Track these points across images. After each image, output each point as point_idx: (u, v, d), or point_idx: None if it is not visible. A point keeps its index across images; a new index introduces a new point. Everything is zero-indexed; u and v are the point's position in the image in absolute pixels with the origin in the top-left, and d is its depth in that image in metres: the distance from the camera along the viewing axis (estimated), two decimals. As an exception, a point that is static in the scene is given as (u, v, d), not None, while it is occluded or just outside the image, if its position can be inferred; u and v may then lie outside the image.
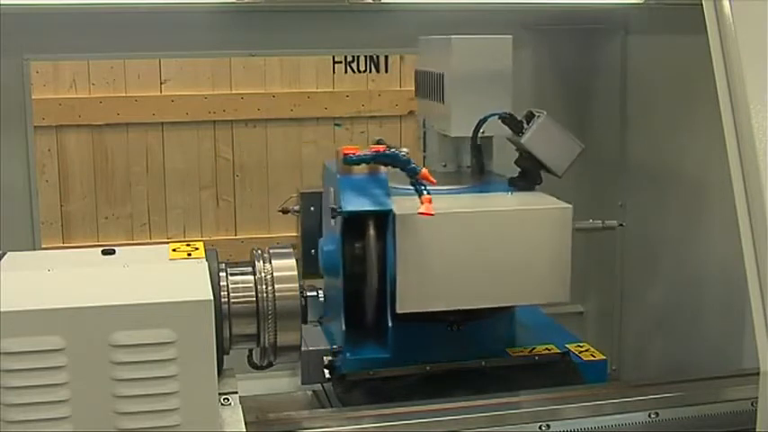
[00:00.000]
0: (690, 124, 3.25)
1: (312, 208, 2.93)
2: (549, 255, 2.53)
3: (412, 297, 2.45)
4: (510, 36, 2.82)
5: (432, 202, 2.35)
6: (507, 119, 2.73)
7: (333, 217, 2.41)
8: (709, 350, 3.20)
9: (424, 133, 3.05)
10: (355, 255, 2.45)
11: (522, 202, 2.64)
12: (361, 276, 2.45)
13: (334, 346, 2.57)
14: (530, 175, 2.75)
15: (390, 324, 2.45)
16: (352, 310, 2.47)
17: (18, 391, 1.71)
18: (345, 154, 2.45)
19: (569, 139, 2.73)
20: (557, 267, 2.54)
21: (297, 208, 3.00)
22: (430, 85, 2.93)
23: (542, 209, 2.57)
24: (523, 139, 2.70)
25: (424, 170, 2.44)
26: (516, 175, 2.82)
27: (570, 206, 2.54)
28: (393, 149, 2.46)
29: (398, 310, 2.45)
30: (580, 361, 2.78)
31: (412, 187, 2.45)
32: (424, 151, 3.08)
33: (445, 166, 2.99)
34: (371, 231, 2.41)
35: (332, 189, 2.53)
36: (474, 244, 2.49)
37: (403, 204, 2.44)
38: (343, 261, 2.46)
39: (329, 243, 2.53)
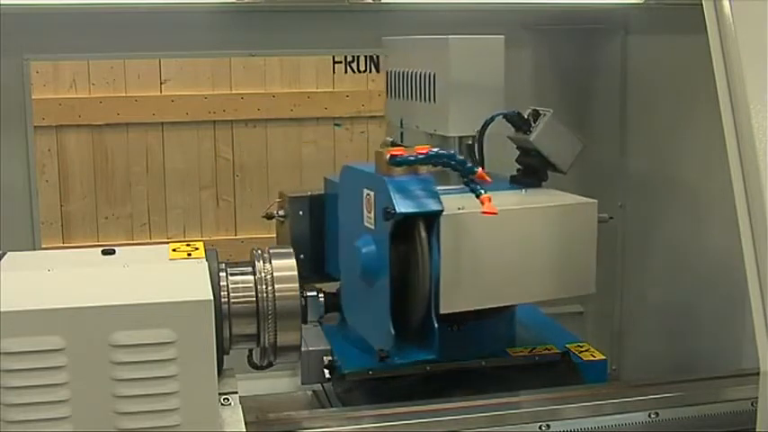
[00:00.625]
0: (690, 124, 3.25)
1: (301, 212, 2.90)
2: (579, 248, 2.60)
3: (455, 297, 2.43)
4: (503, 36, 2.82)
5: (491, 201, 2.35)
6: (515, 117, 2.73)
7: (386, 219, 2.34)
8: (709, 350, 3.20)
9: (402, 134, 3.03)
10: (404, 256, 2.42)
11: (547, 198, 2.65)
12: (411, 278, 2.42)
13: (381, 349, 2.47)
14: (536, 172, 2.76)
15: (436, 325, 2.42)
16: (397, 312, 2.44)
17: (18, 391, 1.71)
18: (393, 155, 2.41)
19: (572, 136, 2.78)
20: (585, 260, 2.61)
21: (282, 213, 2.95)
22: (414, 86, 2.91)
23: (574, 204, 2.62)
24: (532, 137, 2.72)
25: (480, 170, 2.43)
26: (516, 173, 2.83)
27: (596, 201, 2.61)
28: (447, 150, 2.46)
29: (442, 311, 2.42)
30: (580, 361, 2.78)
31: (465, 186, 2.44)
32: None
33: (434, 165, 2.98)
34: (423, 232, 2.38)
35: (370, 192, 2.46)
36: (512, 241, 2.51)
37: (445, 204, 2.43)
38: (390, 263, 2.40)
39: (367, 245, 2.46)
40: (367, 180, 2.49)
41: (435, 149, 2.45)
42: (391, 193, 2.35)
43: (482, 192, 2.38)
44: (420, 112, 2.91)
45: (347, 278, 2.68)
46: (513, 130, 2.80)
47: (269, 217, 2.98)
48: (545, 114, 2.74)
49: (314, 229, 2.90)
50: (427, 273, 2.38)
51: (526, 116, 2.77)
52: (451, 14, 3.47)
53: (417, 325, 2.45)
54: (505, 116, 2.73)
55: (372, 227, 2.46)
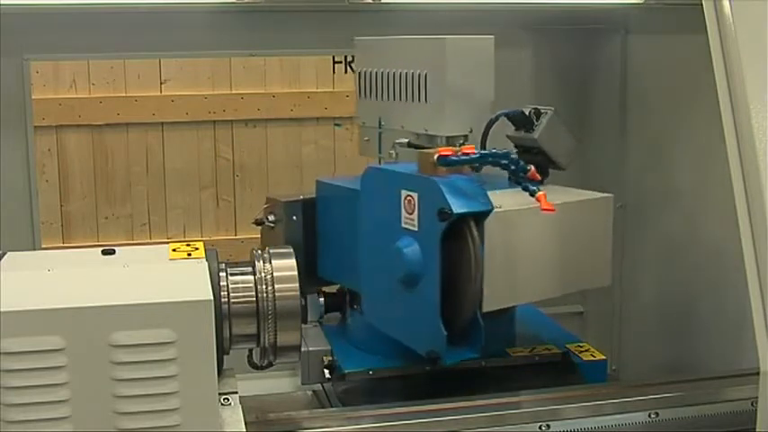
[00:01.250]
0: (690, 125, 3.25)
1: (294, 217, 2.87)
2: (598, 241, 2.66)
3: (497, 294, 2.43)
4: (492, 36, 2.84)
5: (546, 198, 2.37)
6: (518, 116, 2.74)
7: (443, 220, 2.32)
8: (709, 350, 3.20)
9: (380, 134, 3.00)
10: (452, 256, 2.40)
11: (566, 194, 2.66)
12: (459, 277, 2.40)
13: (431, 351, 2.45)
14: (539, 170, 2.77)
15: (482, 323, 2.43)
16: (445, 312, 2.43)
17: (18, 391, 1.71)
18: (444, 156, 2.40)
19: (570, 134, 2.79)
20: (603, 252, 2.68)
21: (272, 218, 2.91)
22: (399, 86, 2.90)
23: (595, 198, 2.65)
24: (536, 135, 2.73)
25: (533, 169, 2.43)
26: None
27: (612, 195, 2.68)
28: (499, 149, 2.47)
29: (485, 309, 2.41)
30: (580, 361, 2.78)
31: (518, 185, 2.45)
32: (380, 152, 3.01)
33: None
34: (475, 231, 2.38)
35: (411, 194, 2.43)
36: (544, 237, 2.53)
37: None
38: (441, 263, 2.38)
39: (408, 246, 2.44)
40: (407, 181, 2.46)
41: (501, 150, 2.45)
42: (446, 194, 2.34)
43: (536, 190, 2.39)
44: (407, 112, 2.90)
45: (374, 282, 2.61)
46: (510, 129, 2.80)
47: (259, 223, 2.95)
48: (546, 113, 2.75)
49: (307, 233, 2.87)
50: (480, 271, 2.37)
51: (527, 115, 2.77)
52: (451, 14, 3.47)
53: (462, 324, 2.44)
54: (508, 115, 2.73)
55: (415, 228, 2.43)
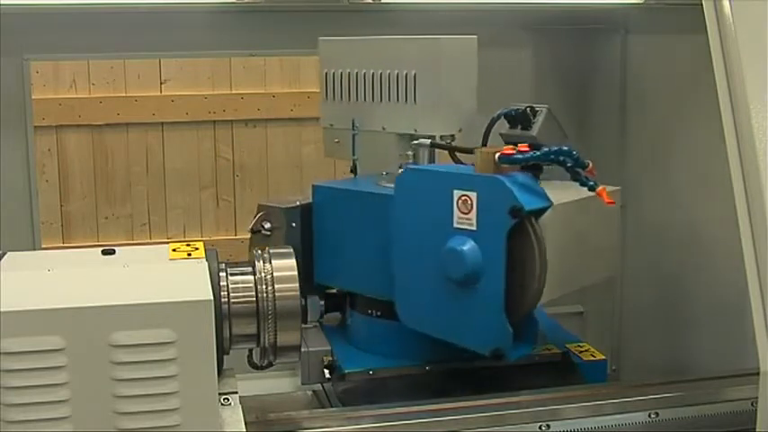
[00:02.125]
0: (690, 124, 3.25)
1: (294, 224, 2.82)
2: (610, 231, 2.75)
3: (550, 287, 2.43)
4: (475, 36, 2.86)
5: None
6: (519, 114, 2.74)
7: (515, 217, 2.32)
8: (709, 350, 3.20)
9: (354, 136, 2.96)
10: (514, 252, 2.39)
11: (577, 189, 2.63)
12: (520, 273, 2.39)
13: (496, 349, 2.42)
14: (535, 167, 2.77)
15: (537, 317, 2.49)
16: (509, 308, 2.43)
17: (18, 391, 1.71)
18: (506, 154, 2.39)
19: (561, 130, 2.81)
20: (614, 242, 2.82)
21: (268, 226, 2.84)
22: (377, 86, 2.88)
23: (610, 192, 2.65)
24: (535, 132, 2.73)
25: (591, 165, 2.46)
26: None
27: (620, 188, 2.77)
28: (559, 146, 2.47)
29: (541, 301, 2.45)
30: (580, 361, 2.78)
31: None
32: (354, 155, 2.98)
33: (400, 167, 2.96)
34: (537, 226, 2.38)
35: (468, 193, 2.41)
36: (578, 229, 2.58)
37: None
38: (507, 261, 2.37)
39: (464, 245, 2.40)
40: (462, 181, 2.43)
41: (563, 147, 2.45)
42: (515, 192, 2.34)
43: (595, 185, 2.43)
44: (390, 113, 2.88)
45: (415, 285, 2.55)
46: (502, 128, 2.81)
47: (255, 231, 2.88)
48: (541, 110, 2.76)
49: (305, 240, 2.84)
50: (544, 267, 2.37)
51: (526, 112, 2.78)
52: (451, 14, 3.47)
53: (519, 320, 2.44)
54: (509, 113, 2.74)
55: (473, 228, 2.40)
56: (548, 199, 2.41)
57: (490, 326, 2.40)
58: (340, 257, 2.81)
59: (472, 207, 2.40)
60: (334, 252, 2.83)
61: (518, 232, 2.36)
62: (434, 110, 2.81)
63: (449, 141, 2.81)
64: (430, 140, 2.77)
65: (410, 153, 2.79)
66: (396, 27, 3.09)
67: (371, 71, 2.92)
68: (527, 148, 2.41)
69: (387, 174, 2.88)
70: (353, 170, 3.01)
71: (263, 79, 5.04)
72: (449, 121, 2.83)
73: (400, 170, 2.69)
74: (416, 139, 2.80)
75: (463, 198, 2.41)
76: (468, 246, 2.40)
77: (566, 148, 2.44)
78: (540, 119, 2.74)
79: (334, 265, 2.83)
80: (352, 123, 2.96)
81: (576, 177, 2.44)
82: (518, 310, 2.41)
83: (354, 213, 2.75)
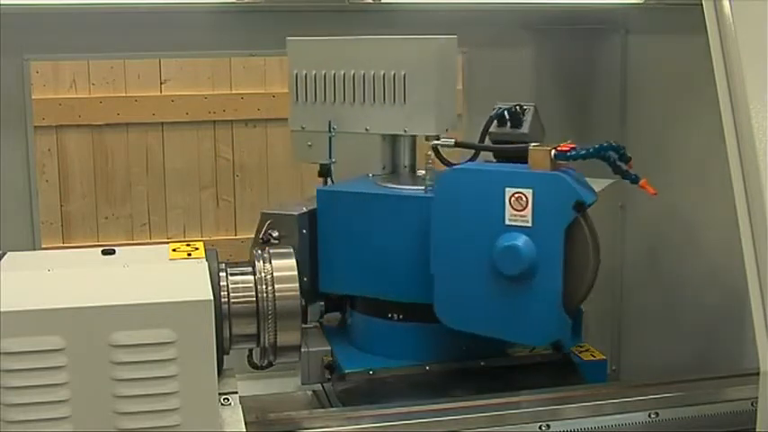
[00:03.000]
0: (690, 124, 3.25)
1: (304, 230, 2.74)
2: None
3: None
4: (455, 36, 2.88)
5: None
6: (513, 113, 2.77)
7: (579, 211, 2.39)
8: (709, 350, 3.20)
9: (330, 139, 2.93)
10: (572, 246, 2.45)
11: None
12: (576, 265, 2.45)
13: (557, 340, 2.51)
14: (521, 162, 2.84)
15: (584, 309, 2.55)
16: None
17: (18, 391, 1.71)
18: (563, 151, 2.44)
19: (543, 127, 2.84)
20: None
21: (276, 234, 2.74)
22: (360, 88, 2.87)
23: (613, 182, 2.75)
24: (526, 130, 2.76)
25: (631, 159, 2.55)
26: None
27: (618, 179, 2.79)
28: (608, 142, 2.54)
29: None
30: (580, 361, 2.78)
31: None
32: (331, 157, 2.94)
33: (384, 168, 2.95)
34: (590, 220, 2.46)
35: (523, 191, 2.44)
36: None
37: None
38: (564, 255, 2.42)
39: (520, 240, 2.43)
40: (516, 179, 2.46)
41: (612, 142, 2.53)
42: (576, 187, 2.41)
43: (638, 177, 2.53)
44: (375, 114, 2.87)
45: (460, 284, 2.54)
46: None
47: (266, 241, 2.73)
48: (529, 108, 2.79)
49: (313, 246, 2.77)
50: (597, 258, 2.45)
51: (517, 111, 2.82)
52: (451, 14, 3.47)
53: (571, 311, 2.49)
54: (505, 112, 2.76)
55: (528, 224, 2.43)
56: (595, 193, 2.49)
57: (549, 319, 2.44)
58: (352, 263, 2.73)
59: (527, 204, 2.43)
60: (344, 258, 2.74)
61: (572, 226, 2.41)
62: (425, 110, 2.82)
63: (434, 141, 2.81)
64: (454, 140, 2.78)
65: (430, 153, 2.76)
66: (396, 27, 3.09)
67: (352, 72, 2.89)
68: (573, 146, 2.46)
69: (373, 175, 2.88)
70: (325, 174, 2.94)
71: (263, 79, 5.04)
72: (439, 120, 2.84)
73: (384, 170, 2.82)
74: (394, 138, 2.84)
75: (516, 195, 2.44)
76: (522, 242, 2.43)
77: (614, 143, 2.53)
78: (528, 117, 2.77)
79: (343, 271, 2.75)
80: (329, 125, 2.93)
81: (618, 171, 2.52)
82: (573, 302, 2.47)
83: (371, 217, 2.70)
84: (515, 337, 2.55)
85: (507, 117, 2.75)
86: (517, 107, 2.76)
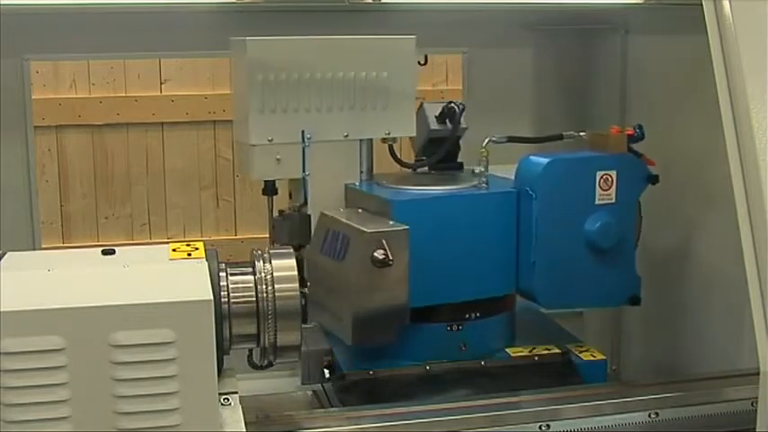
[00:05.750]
0: (690, 124, 3.25)
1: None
2: None
3: None
4: (414, 36, 2.89)
5: None
6: (446, 110, 2.99)
7: (654, 183, 2.84)
8: (709, 350, 3.20)
9: (304, 149, 2.78)
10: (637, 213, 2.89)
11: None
12: (638, 227, 2.89)
13: (633, 295, 2.87)
14: (454, 159, 3.08)
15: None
16: None
17: (18, 391, 1.71)
18: (631, 135, 2.86)
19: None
20: None
21: (386, 254, 2.47)
22: (341, 90, 2.79)
23: None
24: (465, 125, 3.02)
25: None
26: (441, 164, 3.03)
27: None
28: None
29: None
30: (580, 361, 2.78)
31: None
32: (304, 171, 2.79)
33: (362, 173, 2.91)
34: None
35: (609, 172, 2.76)
36: None
37: None
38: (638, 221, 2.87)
39: (611, 216, 2.76)
40: (605, 162, 2.78)
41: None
42: (645, 164, 2.85)
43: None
44: (356, 119, 2.81)
45: (558, 269, 2.75)
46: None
47: (385, 264, 2.46)
48: (459, 106, 3.01)
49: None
50: (640, 222, 2.89)
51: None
52: (451, 15, 3.47)
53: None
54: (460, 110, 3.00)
55: (612, 200, 2.77)
56: None
57: (627, 279, 2.85)
58: (440, 270, 2.67)
59: (612, 183, 2.77)
60: (432, 266, 2.65)
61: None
62: (407, 110, 2.87)
63: (390, 143, 2.91)
64: (507, 137, 2.93)
65: (483, 151, 2.83)
66: (395, 27, 3.09)
67: (329, 74, 2.76)
68: (631, 132, 2.86)
69: (376, 181, 2.88)
70: (269, 192, 2.79)
71: (263, 79, 5.03)
72: (415, 120, 2.91)
73: (362, 175, 2.85)
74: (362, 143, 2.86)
75: (605, 177, 2.77)
76: (613, 217, 2.77)
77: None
78: (462, 114, 2.99)
79: (432, 280, 2.64)
80: (302, 135, 2.74)
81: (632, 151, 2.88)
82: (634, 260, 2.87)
83: (458, 220, 2.69)
84: (601, 303, 3.00)
85: (447, 114, 2.96)
86: (452, 104, 2.98)
